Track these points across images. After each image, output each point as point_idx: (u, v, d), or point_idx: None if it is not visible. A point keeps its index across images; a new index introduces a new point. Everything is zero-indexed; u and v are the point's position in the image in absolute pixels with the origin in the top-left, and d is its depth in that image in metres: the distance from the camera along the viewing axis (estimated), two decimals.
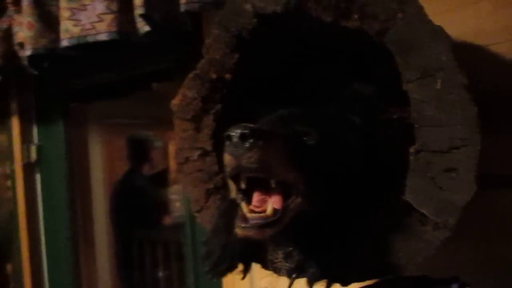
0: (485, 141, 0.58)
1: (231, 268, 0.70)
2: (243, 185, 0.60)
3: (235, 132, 0.55)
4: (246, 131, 0.55)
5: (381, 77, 0.71)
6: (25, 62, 1.30)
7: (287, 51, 0.80)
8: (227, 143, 0.56)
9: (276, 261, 0.69)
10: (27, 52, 1.21)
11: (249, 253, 0.71)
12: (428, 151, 0.61)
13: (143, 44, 1.19)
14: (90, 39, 1.12)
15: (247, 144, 0.55)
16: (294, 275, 0.65)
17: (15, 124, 1.67)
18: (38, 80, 1.64)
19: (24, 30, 1.25)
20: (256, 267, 1.14)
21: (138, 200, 2.57)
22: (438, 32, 0.59)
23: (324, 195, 0.63)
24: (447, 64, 0.59)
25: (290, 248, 0.66)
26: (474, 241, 0.77)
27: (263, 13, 0.69)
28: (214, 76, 0.75)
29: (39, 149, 1.68)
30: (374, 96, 0.70)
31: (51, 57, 1.30)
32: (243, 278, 0.72)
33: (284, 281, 1.05)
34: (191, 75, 0.77)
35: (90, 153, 2.09)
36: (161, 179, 2.80)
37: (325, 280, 0.64)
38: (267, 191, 0.61)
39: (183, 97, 0.78)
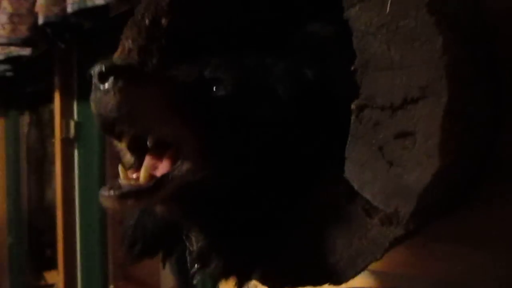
0: None
1: (146, 252, 0.57)
2: (123, 144, 0.47)
3: (93, 70, 0.42)
4: (102, 68, 0.42)
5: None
6: (49, 31, 1.29)
7: None
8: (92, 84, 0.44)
9: (191, 249, 0.54)
10: (40, 20, 1.20)
11: (168, 236, 0.57)
12: (375, 107, 0.42)
13: None
14: (89, 3, 1.06)
15: (106, 86, 0.42)
16: (194, 267, 0.49)
17: (57, 99, 1.71)
18: (80, 57, 1.66)
19: None
20: None
21: None
22: None
23: (235, 165, 0.47)
24: None
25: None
26: (475, 246, 0.54)
27: None
28: (148, 21, 0.62)
29: (78, 126, 1.70)
30: (331, 39, 0.51)
31: (72, 28, 1.28)
32: (163, 267, 0.59)
33: None
34: (128, 22, 0.65)
35: None
36: None
37: (235, 278, 0.48)
38: (163, 154, 0.47)
39: (122, 48, 0.66)
